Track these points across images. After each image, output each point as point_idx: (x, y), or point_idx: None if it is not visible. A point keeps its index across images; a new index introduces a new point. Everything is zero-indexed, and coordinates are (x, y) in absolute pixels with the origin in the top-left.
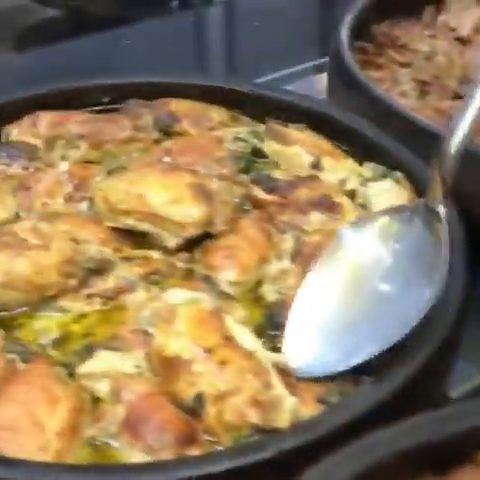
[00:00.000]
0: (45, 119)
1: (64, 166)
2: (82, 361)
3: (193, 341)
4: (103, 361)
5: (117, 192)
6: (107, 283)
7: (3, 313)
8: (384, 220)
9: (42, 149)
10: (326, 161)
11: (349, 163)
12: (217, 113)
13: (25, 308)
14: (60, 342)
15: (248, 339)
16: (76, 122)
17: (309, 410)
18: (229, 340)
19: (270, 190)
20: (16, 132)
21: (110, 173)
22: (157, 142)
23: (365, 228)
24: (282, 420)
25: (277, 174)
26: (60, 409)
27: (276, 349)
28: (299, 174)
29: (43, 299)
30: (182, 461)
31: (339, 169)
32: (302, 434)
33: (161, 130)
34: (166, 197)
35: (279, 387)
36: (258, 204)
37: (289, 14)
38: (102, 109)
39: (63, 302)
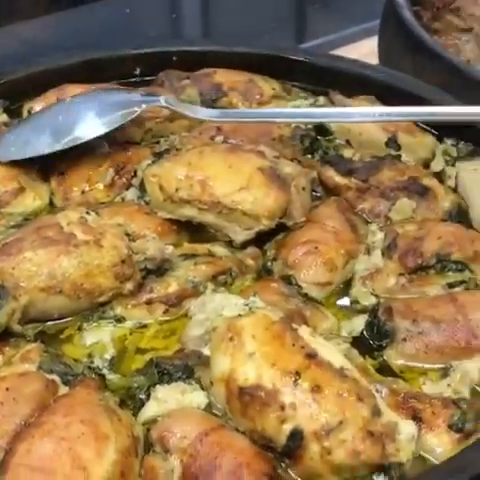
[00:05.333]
0: (73, 94)
1: (101, 147)
2: (141, 391)
3: (271, 364)
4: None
5: (174, 178)
6: (169, 286)
7: (46, 323)
8: None
9: None
10: (402, 138)
11: (429, 140)
12: (267, 84)
13: (72, 317)
14: (116, 361)
15: (332, 353)
16: None
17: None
18: (313, 357)
19: (346, 173)
20: (40, 109)
21: (158, 155)
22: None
23: None
24: (404, 452)
25: (347, 154)
26: (108, 450)
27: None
28: (376, 154)
29: (94, 306)
30: None
31: (418, 147)
32: None
33: (206, 105)
34: (233, 183)
35: (388, 412)
36: (332, 190)
37: None
38: (133, 82)
39: (118, 310)
